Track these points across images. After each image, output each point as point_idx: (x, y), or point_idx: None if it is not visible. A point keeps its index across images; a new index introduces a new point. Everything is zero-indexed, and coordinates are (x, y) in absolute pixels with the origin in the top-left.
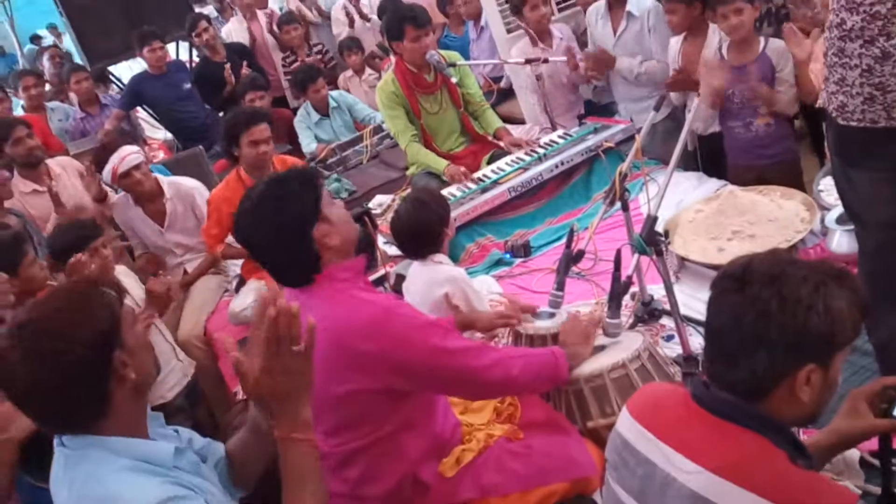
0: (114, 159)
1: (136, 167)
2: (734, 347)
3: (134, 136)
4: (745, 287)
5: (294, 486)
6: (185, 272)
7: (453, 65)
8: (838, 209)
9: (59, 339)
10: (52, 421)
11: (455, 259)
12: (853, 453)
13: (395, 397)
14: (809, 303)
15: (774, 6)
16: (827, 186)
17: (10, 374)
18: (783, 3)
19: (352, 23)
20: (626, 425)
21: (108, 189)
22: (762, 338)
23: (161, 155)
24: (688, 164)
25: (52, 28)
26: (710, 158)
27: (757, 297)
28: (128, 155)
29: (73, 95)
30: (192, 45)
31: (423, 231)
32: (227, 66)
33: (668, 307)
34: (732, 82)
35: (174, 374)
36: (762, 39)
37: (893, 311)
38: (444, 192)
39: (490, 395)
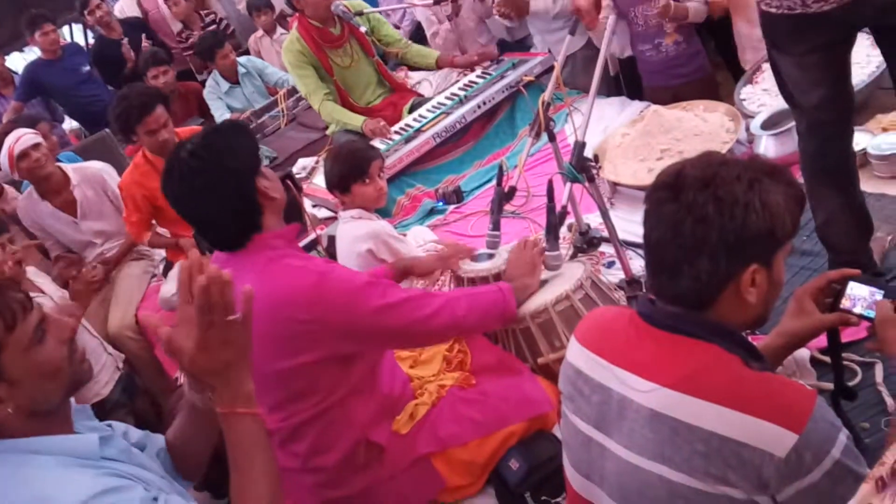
0: (9, 140)
1: (35, 146)
2: (675, 257)
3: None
4: (679, 195)
5: (242, 464)
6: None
7: (360, 13)
8: (762, 115)
9: None
10: None
11: (388, 213)
12: (803, 352)
13: (342, 363)
14: (746, 201)
15: None
16: (748, 95)
17: None
18: None
19: None
20: (576, 354)
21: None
22: (702, 243)
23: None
24: (611, 89)
25: None
26: (632, 82)
27: (693, 203)
28: (23, 135)
29: None
30: (85, 26)
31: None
32: (125, 41)
33: (605, 234)
34: (634, 2)
35: (106, 370)
36: None
37: (829, 194)
38: None
39: (441, 340)
